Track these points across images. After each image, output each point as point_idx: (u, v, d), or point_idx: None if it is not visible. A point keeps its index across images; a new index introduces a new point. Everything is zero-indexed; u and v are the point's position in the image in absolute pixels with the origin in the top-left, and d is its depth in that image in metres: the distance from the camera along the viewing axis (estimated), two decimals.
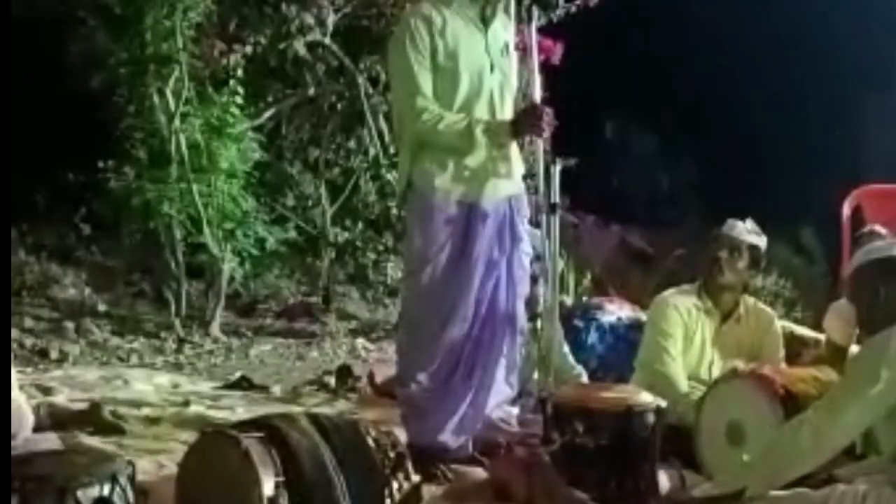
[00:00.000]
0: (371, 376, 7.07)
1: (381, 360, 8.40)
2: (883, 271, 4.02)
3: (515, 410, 5.37)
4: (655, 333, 5.61)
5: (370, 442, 4.21)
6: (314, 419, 4.24)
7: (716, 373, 5.49)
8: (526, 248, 5.10)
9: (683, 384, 5.43)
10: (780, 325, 6.01)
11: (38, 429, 4.84)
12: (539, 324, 5.07)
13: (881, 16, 12.12)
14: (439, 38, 4.86)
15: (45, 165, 9.58)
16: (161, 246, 9.41)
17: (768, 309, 5.92)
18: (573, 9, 9.51)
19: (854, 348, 5.67)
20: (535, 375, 5.24)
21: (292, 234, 10.54)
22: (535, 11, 5.04)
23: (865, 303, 4.08)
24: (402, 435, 4.81)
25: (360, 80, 9.94)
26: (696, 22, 12.73)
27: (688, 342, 5.55)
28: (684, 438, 4.92)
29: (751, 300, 5.77)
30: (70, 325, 8.98)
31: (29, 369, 7.56)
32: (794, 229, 11.87)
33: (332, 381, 7.31)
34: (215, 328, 9.29)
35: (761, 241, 5.62)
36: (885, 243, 4.41)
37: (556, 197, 4.90)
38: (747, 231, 5.58)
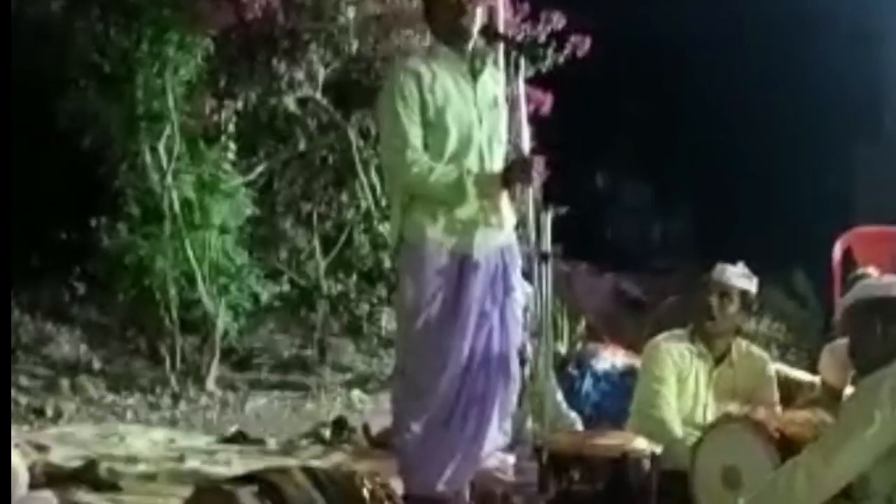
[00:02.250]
0: (366, 428, 7.07)
1: (376, 411, 8.39)
2: (882, 309, 4.01)
3: (511, 459, 5.38)
4: (649, 379, 5.63)
5: (365, 494, 4.23)
6: (309, 472, 4.26)
7: (710, 417, 5.50)
8: (518, 298, 5.13)
9: (678, 429, 5.44)
10: (775, 368, 6.03)
11: (33, 487, 4.84)
12: (531, 371, 5.09)
13: (869, 64, 12.22)
14: (428, 92, 4.91)
15: (39, 225, 9.60)
16: (155, 302, 9.40)
17: (761, 352, 5.94)
18: (561, 59, 9.58)
19: (849, 390, 5.67)
20: (530, 423, 5.26)
21: (286, 287, 10.55)
22: (523, 63, 5.09)
23: (860, 337, 4.08)
24: (398, 486, 4.82)
25: (351, 133, 9.98)
26: (686, 69, 12.81)
27: (681, 386, 5.57)
28: (680, 483, 4.93)
29: (743, 343, 5.79)
30: (65, 382, 8.98)
31: (25, 427, 7.55)
32: (787, 273, 11.87)
33: (327, 433, 7.31)
34: (210, 383, 9.29)
35: (752, 285, 5.65)
36: (886, 280, 4.37)
37: (547, 246, 4.92)
38: (737, 276, 5.61)
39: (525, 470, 5.25)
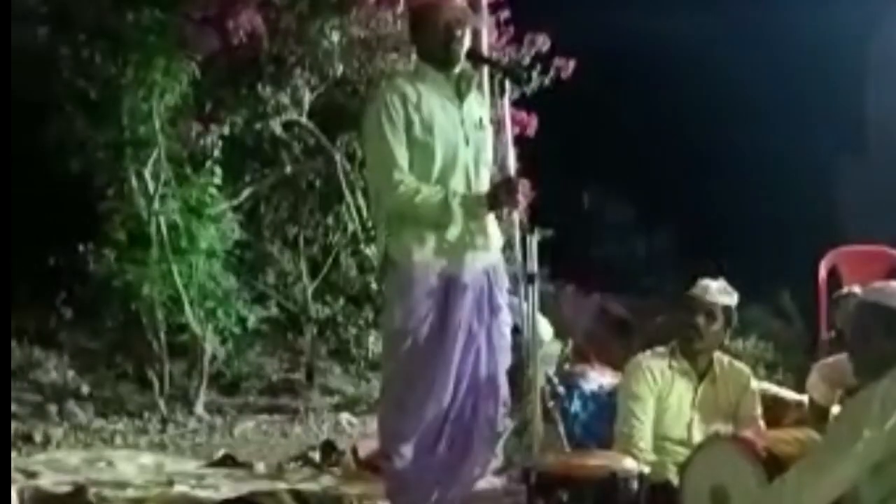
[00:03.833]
0: (355, 451, 7.06)
1: (364, 434, 8.38)
2: (880, 317, 4.00)
3: (501, 481, 5.38)
4: (625, 396, 5.67)
5: None
6: (298, 496, 4.26)
7: (695, 433, 5.53)
8: (505, 319, 5.13)
9: (645, 446, 5.46)
10: (763, 387, 6.05)
11: None
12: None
13: (854, 83, 12.30)
14: (414, 113, 4.92)
15: (26, 250, 9.57)
16: (143, 327, 9.39)
17: (743, 366, 5.95)
18: (546, 81, 9.61)
19: (836, 408, 5.69)
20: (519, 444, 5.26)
21: (273, 311, 10.54)
22: (508, 85, 5.11)
23: (859, 342, 4.08)
24: None
25: (337, 157, 9.99)
26: (671, 89, 12.87)
27: (661, 405, 5.58)
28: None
29: (725, 358, 5.80)
30: (53, 408, 8.96)
31: (13, 454, 7.53)
32: (773, 293, 11.92)
33: (316, 456, 7.31)
34: (199, 407, 9.27)
35: (732, 300, 5.67)
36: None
37: (533, 267, 4.94)
38: (720, 292, 5.63)
39: (514, 491, 5.26)
